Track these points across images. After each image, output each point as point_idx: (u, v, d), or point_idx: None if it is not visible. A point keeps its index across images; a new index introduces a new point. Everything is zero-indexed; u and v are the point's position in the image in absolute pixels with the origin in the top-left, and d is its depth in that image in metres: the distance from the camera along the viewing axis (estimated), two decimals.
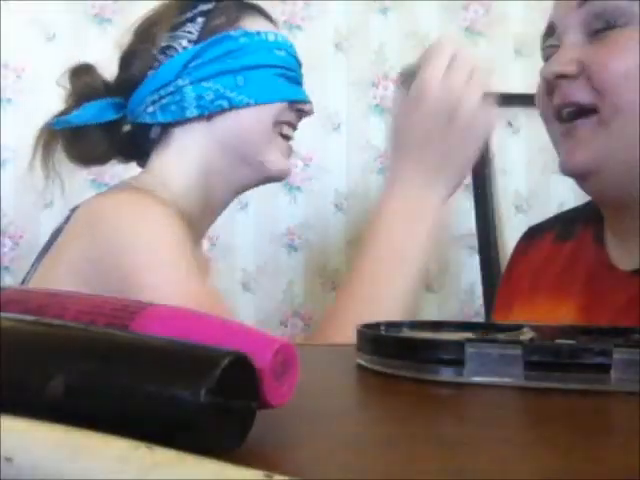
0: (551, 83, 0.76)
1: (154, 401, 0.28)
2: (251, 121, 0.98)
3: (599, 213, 0.82)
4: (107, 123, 0.99)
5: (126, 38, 1.02)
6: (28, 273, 0.97)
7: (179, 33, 0.98)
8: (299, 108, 1.02)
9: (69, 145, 1.00)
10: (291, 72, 1.00)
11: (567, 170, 0.77)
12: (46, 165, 0.99)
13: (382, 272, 0.76)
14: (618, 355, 0.44)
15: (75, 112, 0.98)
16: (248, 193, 1.76)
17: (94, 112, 0.98)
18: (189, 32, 0.98)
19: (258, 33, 0.98)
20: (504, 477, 0.28)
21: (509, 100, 1.74)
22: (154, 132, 1.00)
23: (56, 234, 0.94)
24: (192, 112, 0.96)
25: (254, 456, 0.30)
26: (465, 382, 0.46)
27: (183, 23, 0.99)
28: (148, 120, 0.98)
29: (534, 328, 0.56)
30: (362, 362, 0.52)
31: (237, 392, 0.29)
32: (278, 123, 1.00)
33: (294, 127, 1.03)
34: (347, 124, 1.73)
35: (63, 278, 0.84)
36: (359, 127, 1.73)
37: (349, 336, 0.58)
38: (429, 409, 0.42)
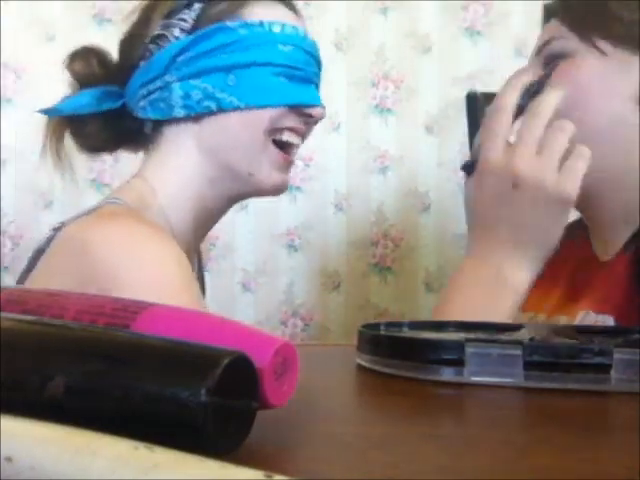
0: None
1: (154, 401, 0.28)
2: (240, 127, 0.87)
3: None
4: (106, 112, 0.91)
5: (130, 18, 0.92)
6: None
7: (173, 21, 0.88)
8: (306, 112, 0.90)
9: (72, 134, 0.93)
10: (297, 71, 0.89)
11: None
12: (58, 154, 0.91)
13: None
14: (618, 355, 0.44)
15: (67, 100, 0.91)
16: None
17: (88, 101, 0.90)
18: (183, 20, 0.88)
19: (261, 24, 0.87)
20: (504, 477, 0.28)
21: None
22: (147, 127, 0.92)
23: (38, 254, 0.86)
24: (179, 112, 0.87)
25: (254, 456, 0.30)
26: (465, 382, 0.46)
27: (179, 9, 0.88)
28: (140, 114, 0.90)
29: (534, 328, 0.56)
30: (362, 362, 0.52)
31: (237, 392, 0.29)
32: (275, 130, 0.89)
33: (300, 133, 0.92)
34: (347, 124, 1.73)
35: None
36: (359, 127, 1.73)
37: None
38: (429, 409, 0.42)
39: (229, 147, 0.88)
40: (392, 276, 1.74)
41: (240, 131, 0.88)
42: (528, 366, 0.45)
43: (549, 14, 0.91)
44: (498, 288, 0.71)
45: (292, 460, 0.31)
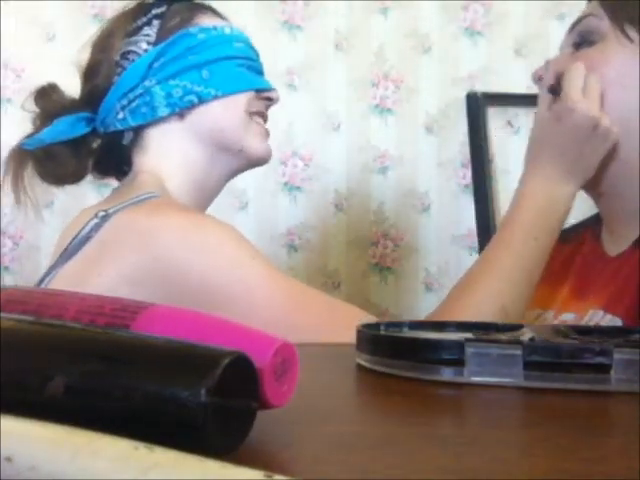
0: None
1: (154, 401, 0.28)
2: (222, 111, 1.00)
3: (599, 219, 0.95)
4: (75, 140, 1.00)
5: (84, 54, 1.03)
6: (42, 280, 0.94)
7: (137, 37, 1.01)
8: (266, 96, 1.04)
9: (40, 166, 1.00)
10: (253, 62, 1.03)
11: None
12: (17, 187, 0.98)
13: (513, 256, 0.86)
14: (618, 355, 0.44)
15: (46, 130, 0.99)
16: (248, 193, 1.77)
17: (65, 128, 0.99)
18: (147, 35, 1.01)
19: (215, 28, 1.01)
20: (504, 477, 0.28)
21: (509, 100, 1.74)
22: (126, 138, 1.01)
23: (82, 241, 0.93)
24: (163, 111, 0.98)
25: (254, 456, 0.30)
26: (465, 382, 0.46)
27: (139, 28, 1.01)
28: (119, 127, 1.00)
29: (534, 328, 0.56)
30: (362, 362, 0.52)
31: (237, 392, 0.29)
32: (250, 114, 1.01)
33: (264, 117, 1.05)
34: (347, 124, 1.73)
35: (115, 289, 0.84)
36: (359, 127, 1.73)
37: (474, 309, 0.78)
38: (429, 409, 0.42)
39: (217, 131, 1.00)
40: (392, 276, 1.74)
41: (223, 115, 1.00)
42: (528, 366, 0.45)
43: None
44: (552, 214, 0.88)
45: (292, 460, 0.31)
